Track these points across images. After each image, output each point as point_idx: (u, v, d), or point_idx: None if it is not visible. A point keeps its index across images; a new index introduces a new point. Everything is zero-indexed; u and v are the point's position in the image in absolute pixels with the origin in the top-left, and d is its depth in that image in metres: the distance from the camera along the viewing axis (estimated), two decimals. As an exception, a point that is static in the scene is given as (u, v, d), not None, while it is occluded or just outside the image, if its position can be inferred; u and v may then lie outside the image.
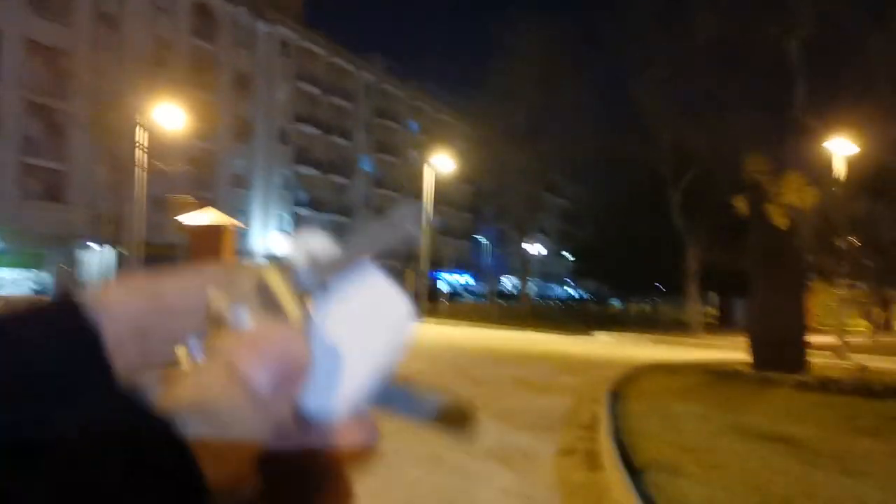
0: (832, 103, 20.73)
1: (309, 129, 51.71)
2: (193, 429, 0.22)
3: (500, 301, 47.65)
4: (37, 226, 33.22)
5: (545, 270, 71.31)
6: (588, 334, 24.04)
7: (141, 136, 23.67)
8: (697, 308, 30.69)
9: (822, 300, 23.31)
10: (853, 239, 14.16)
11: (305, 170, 51.35)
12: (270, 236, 47.62)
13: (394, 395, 0.30)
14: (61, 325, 0.25)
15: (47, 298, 0.25)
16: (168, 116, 24.31)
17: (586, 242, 45.43)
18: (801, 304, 11.81)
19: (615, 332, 24.66)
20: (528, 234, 42.49)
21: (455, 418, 0.31)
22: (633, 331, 25.96)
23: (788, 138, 20.47)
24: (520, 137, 37.34)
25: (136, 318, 0.27)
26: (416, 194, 53.24)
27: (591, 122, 37.75)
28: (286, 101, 49.58)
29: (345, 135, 55.85)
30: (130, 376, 0.26)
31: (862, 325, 26.62)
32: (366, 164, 57.92)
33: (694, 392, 8.93)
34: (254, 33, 47.18)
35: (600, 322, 30.85)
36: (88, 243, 32.67)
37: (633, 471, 4.74)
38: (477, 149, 39.40)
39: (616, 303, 56.54)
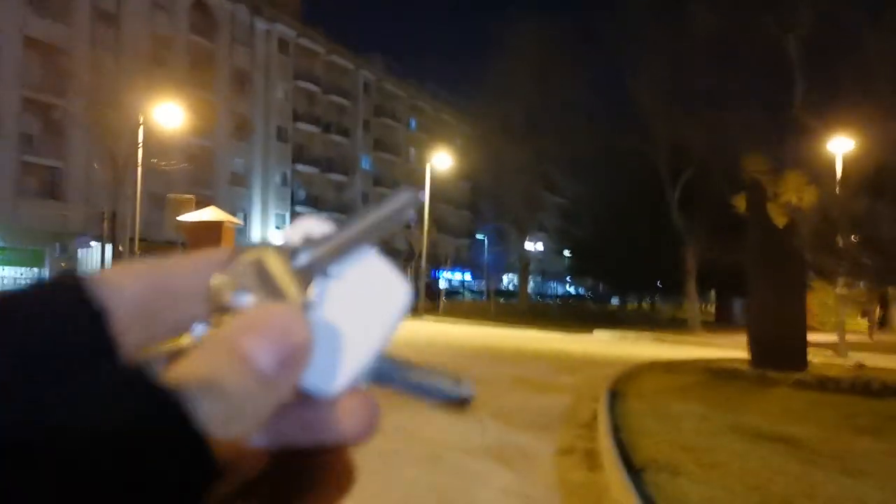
0: (831, 102, 20.74)
1: (308, 127, 51.67)
2: (199, 407, 0.23)
3: (498, 299, 47.67)
4: (35, 223, 33.19)
5: (544, 268, 71.33)
6: (587, 332, 24.04)
7: (139, 134, 23.62)
8: (696, 306, 30.71)
9: (821, 299, 23.31)
10: (852, 238, 14.15)
11: (304, 168, 51.33)
12: (269, 234, 47.57)
13: (392, 371, 0.31)
14: (67, 301, 0.25)
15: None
16: (166, 114, 24.27)
17: (585, 240, 45.41)
18: (801, 303, 11.80)
19: (614, 331, 24.66)
20: (526, 232, 42.48)
21: (452, 392, 0.32)
22: (632, 329, 25.95)
23: (788, 137, 20.48)
24: (519, 136, 37.33)
25: (142, 300, 0.27)
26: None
27: (590, 120, 37.61)
28: (285, 99, 49.54)
29: (344, 133, 55.82)
30: (135, 357, 0.26)
31: (861, 323, 26.63)
32: (365, 163, 57.90)
33: (693, 391, 8.92)
34: (252, 31, 47.12)
35: (599, 320, 30.84)
36: (87, 241, 32.62)
37: (633, 470, 4.73)
38: (476, 147, 39.43)
39: (615, 301, 56.60)
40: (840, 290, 16.02)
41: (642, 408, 7.37)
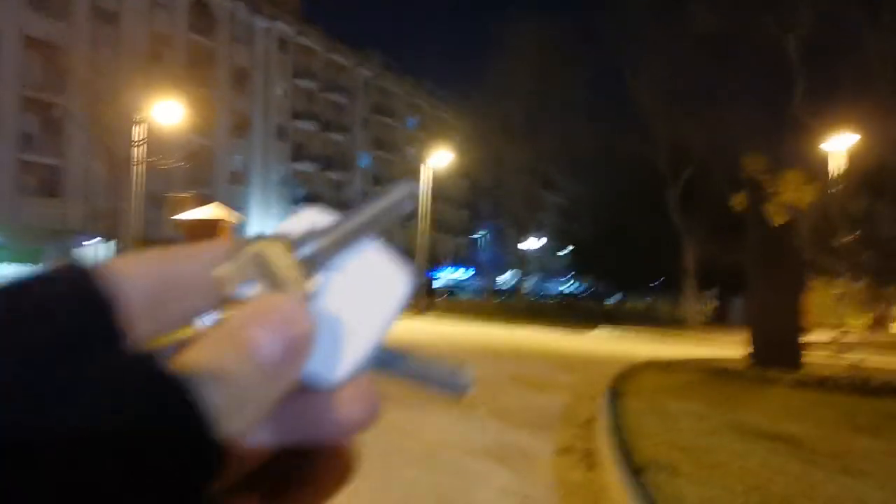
0: (831, 101, 20.73)
1: (307, 126, 51.64)
2: (205, 396, 0.23)
3: (497, 297, 47.67)
4: (34, 221, 33.16)
5: (543, 267, 71.34)
6: (585, 331, 24.04)
7: (138, 132, 23.59)
8: (695, 305, 30.70)
9: (820, 297, 23.31)
10: (852, 237, 14.14)
11: (303, 166, 51.30)
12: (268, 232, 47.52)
13: (393, 359, 0.31)
14: (76, 291, 0.25)
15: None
16: (166, 112, 24.24)
17: (584, 239, 45.41)
18: (800, 301, 11.80)
19: (612, 329, 24.66)
20: (525, 230, 42.47)
21: (451, 379, 0.32)
22: (631, 327, 25.95)
23: (787, 136, 20.48)
24: (517, 134, 37.33)
25: (149, 290, 0.27)
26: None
27: (589, 119, 37.68)
28: (284, 96, 49.50)
29: (342, 131, 55.80)
30: (143, 347, 0.26)
31: (859, 322, 26.66)
32: (364, 161, 57.86)
33: (692, 389, 8.91)
34: (252, 29, 47.06)
35: (598, 318, 30.84)
36: (86, 239, 32.61)
37: (632, 470, 4.71)
38: (475, 145, 39.40)
39: (613, 299, 56.58)
40: (839, 288, 16.03)
41: (641, 407, 7.35)
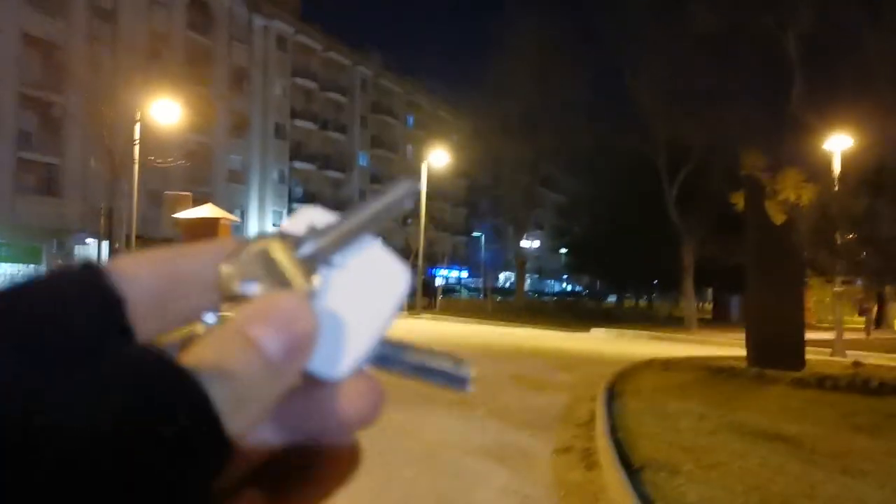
0: (830, 100, 20.73)
1: (305, 124, 51.61)
2: (212, 393, 0.23)
3: (495, 297, 47.67)
4: (32, 220, 33.12)
5: (541, 266, 71.33)
6: (584, 330, 24.03)
7: (136, 131, 23.55)
8: (693, 304, 30.69)
9: (819, 296, 23.31)
10: (851, 236, 14.14)
11: (302, 165, 51.28)
12: (267, 231, 47.51)
13: (394, 354, 0.32)
14: (86, 290, 0.26)
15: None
16: (164, 111, 24.19)
17: (583, 238, 45.38)
18: (798, 300, 11.78)
19: (611, 328, 24.65)
20: (524, 229, 42.46)
21: (452, 373, 0.32)
22: (629, 327, 25.94)
23: (786, 135, 20.48)
24: (516, 133, 37.27)
25: (155, 289, 0.28)
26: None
27: (588, 117, 37.60)
28: (283, 95, 49.46)
29: (341, 130, 55.77)
30: (148, 344, 0.26)
31: (858, 321, 26.66)
32: (362, 160, 57.82)
33: (691, 389, 8.90)
34: (250, 28, 47.01)
35: (596, 318, 30.83)
36: (84, 238, 32.57)
37: (631, 470, 4.70)
38: (473, 144, 39.35)
39: (612, 299, 56.59)
40: (838, 287, 16.04)
41: (640, 406, 7.34)
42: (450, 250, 63.49)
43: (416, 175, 32.30)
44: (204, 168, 41.92)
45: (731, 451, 5.39)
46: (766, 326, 11.36)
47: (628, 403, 7.54)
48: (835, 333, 16.53)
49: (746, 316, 12.79)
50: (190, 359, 0.24)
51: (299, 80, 50.81)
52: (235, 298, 0.28)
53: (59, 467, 0.20)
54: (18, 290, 0.25)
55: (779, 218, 11.52)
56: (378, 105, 59.77)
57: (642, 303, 55.11)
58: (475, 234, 67.00)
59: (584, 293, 64.02)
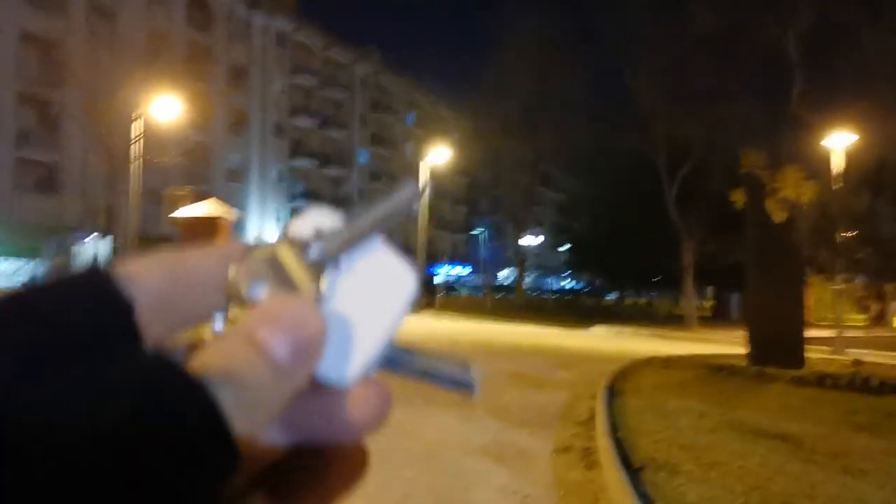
0: (830, 98, 20.72)
1: (305, 122, 51.53)
2: (220, 397, 0.23)
3: (495, 294, 47.67)
4: (31, 218, 33.09)
5: (541, 263, 71.33)
6: (584, 328, 24.03)
7: (135, 129, 23.52)
8: (693, 302, 30.70)
9: (818, 294, 23.30)
10: (850, 234, 14.15)
11: (301, 162, 51.20)
12: (266, 229, 47.50)
13: (401, 357, 0.31)
14: (96, 293, 0.26)
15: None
16: (163, 109, 24.15)
17: (582, 236, 45.40)
18: (798, 299, 11.77)
19: (611, 326, 24.65)
20: (524, 227, 42.47)
21: (459, 377, 0.32)
22: (629, 324, 25.95)
23: (786, 133, 20.45)
24: (516, 131, 37.26)
25: (163, 292, 0.28)
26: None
27: (587, 114, 37.60)
28: (282, 93, 49.38)
29: (341, 127, 55.68)
30: (155, 348, 0.27)
31: (858, 319, 26.67)
32: (362, 157, 57.77)
33: (691, 387, 8.89)
34: (249, 26, 46.93)
35: (595, 315, 30.85)
36: (83, 236, 32.54)
37: (631, 469, 4.69)
38: (473, 141, 39.33)
39: (612, 296, 56.61)
40: (837, 285, 16.05)
41: (640, 404, 7.33)
42: (450, 248, 63.51)
43: (417, 173, 32.29)
44: (203, 166, 41.87)
45: (731, 450, 5.38)
46: (767, 324, 11.35)
47: (628, 401, 7.53)
48: (835, 331, 16.54)
49: (746, 314, 12.79)
50: (198, 363, 0.24)
51: (299, 78, 50.74)
52: (243, 302, 0.28)
53: (59, 468, 0.20)
54: (24, 294, 0.25)
55: (779, 216, 11.50)
56: (378, 103, 59.70)
57: (642, 300, 55.14)
58: (475, 231, 66.99)
59: (583, 290, 64.04)
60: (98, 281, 0.26)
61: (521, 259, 42.81)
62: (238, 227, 35.95)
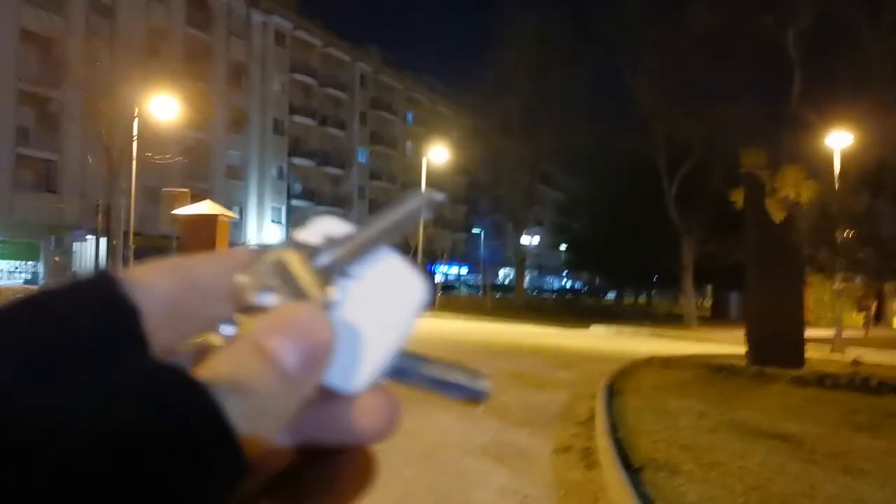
0: (830, 97, 20.72)
1: (304, 120, 51.48)
2: (227, 406, 0.23)
3: (495, 294, 47.68)
4: (30, 216, 33.07)
5: (541, 263, 71.32)
6: (583, 327, 24.03)
7: (134, 127, 23.49)
8: (692, 301, 30.72)
9: (818, 294, 23.29)
10: (851, 234, 14.15)
11: (300, 161, 51.15)
12: (265, 228, 47.48)
13: (410, 366, 0.31)
14: (101, 299, 0.26)
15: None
16: (162, 107, 24.11)
17: (582, 235, 45.43)
18: (798, 298, 11.78)
19: (610, 326, 24.65)
20: (523, 226, 42.47)
21: (469, 387, 0.33)
22: (628, 324, 25.95)
23: (786, 133, 20.46)
24: (516, 130, 37.26)
25: (171, 299, 0.28)
26: (412, 185, 53.10)
27: (587, 114, 37.64)
28: (281, 91, 49.34)
29: (340, 126, 55.64)
30: (163, 356, 0.27)
31: (856, 318, 26.68)
32: (361, 156, 57.73)
33: (691, 387, 8.89)
34: (249, 23, 46.88)
35: (595, 315, 30.85)
36: (82, 234, 32.51)
37: (631, 469, 4.69)
38: (473, 141, 39.35)
39: (611, 296, 56.63)
40: (837, 285, 16.05)
41: (640, 404, 7.33)
42: (449, 247, 63.49)
43: (416, 171, 32.29)
44: (202, 164, 41.80)
45: (730, 450, 5.38)
46: (766, 324, 11.35)
47: (628, 401, 7.53)
48: (834, 331, 16.54)
49: (746, 314, 12.79)
50: (206, 371, 0.24)
51: (298, 76, 50.69)
52: (251, 309, 0.28)
53: (60, 468, 0.20)
54: (39, 297, 0.25)
55: (778, 216, 11.50)
56: (377, 101, 59.63)
57: (642, 300, 55.15)
58: (475, 230, 66.98)
59: (583, 290, 64.06)
60: (106, 286, 0.26)
61: (520, 258, 42.81)
62: (237, 225, 35.94)
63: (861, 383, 9.25)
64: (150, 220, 31.37)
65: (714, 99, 26.53)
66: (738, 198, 12.59)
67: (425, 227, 32.90)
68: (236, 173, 46.15)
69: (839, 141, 18.45)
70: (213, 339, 0.28)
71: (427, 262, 39.29)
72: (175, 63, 34.62)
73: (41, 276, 33.56)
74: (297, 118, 50.74)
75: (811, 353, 11.86)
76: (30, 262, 33.86)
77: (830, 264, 14.79)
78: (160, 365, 0.24)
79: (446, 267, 61.97)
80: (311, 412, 0.28)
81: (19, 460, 0.19)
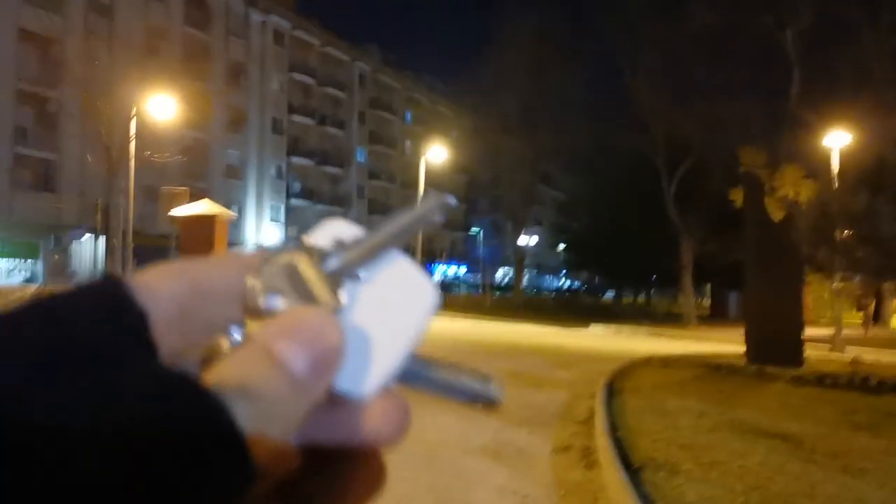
0: (829, 97, 20.73)
1: (303, 120, 51.43)
2: (235, 410, 0.23)
3: (494, 293, 47.67)
4: (29, 216, 33.05)
5: (540, 262, 71.31)
6: (582, 327, 24.03)
7: (133, 126, 23.45)
8: (692, 300, 30.73)
9: (817, 293, 23.30)
10: (850, 232, 14.15)
11: (299, 160, 51.10)
12: (264, 227, 47.44)
13: (420, 371, 0.31)
14: (109, 303, 0.26)
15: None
16: (161, 106, 24.07)
17: (581, 234, 45.43)
18: (797, 297, 11.78)
19: (609, 325, 24.65)
20: (522, 225, 42.46)
21: (480, 392, 0.32)
22: (627, 323, 25.96)
23: (785, 131, 20.47)
24: (514, 128, 37.26)
25: (179, 302, 0.27)
26: (411, 185, 53.11)
27: (586, 113, 37.71)
28: (280, 91, 49.30)
29: (339, 125, 55.59)
30: (171, 360, 0.26)
31: (856, 317, 26.69)
32: (360, 155, 57.70)
33: (690, 386, 8.89)
34: (247, 23, 46.83)
35: (594, 314, 30.86)
36: (81, 234, 32.49)
37: (630, 469, 4.68)
38: (472, 140, 39.34)
39: (610, 295, 56.63)
40: (836, 284, 16.06)
41: (639, 404, 7.33)
42: (448, 246, 63.48)
43: (415, 171, 32.28)
44: (200, 163, 41.75)
45: (730, 449, 5.37)
46: (766, 323, 11.35)
47: (627, 401, 7.52)
48: (833, 330, 16.55)
49: (745, 313, 12.79)
50: (214, 375, 0.24)
51: (297, 76, 50.65)
52: (260, 313, 0.27)
53: (60, 469, 0.20)
54: (38, 302, 0.25)
55: (778, 215, 11.50)
56: (376, 100, 59.58)
57: (641, 299, 55.16)
58: (474, 230, 66.95)
59: (582, 289, 64.06)
60: (113, 290, 0.26)
61: (519, 258, 42.81)
62: (236, 225, 35.90)
63: (860, 382, 9.25)
64: (149, 219, 31.31)
65: (713, 98, 26.53)
66: (737, 197, 12.58)
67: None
68: (235, 172, 46.11)
69: (838, 140, 18.46)
70: (222, 343, 0.28)
71: (426, 261, 39.26)
72: (174, 62, 34.58)
73: (40, 274, 33.55)
74: (296, 117, 50.70)
75: (810, 352, 11.87)
76: (29, 261, 33.85)
77: (829, 263, 14.79)
78: (167, 369, 0.24)
79: (445, 266, 61.98)
80: (319, 417, 0.28)
81: (19, 460, 0.19)
